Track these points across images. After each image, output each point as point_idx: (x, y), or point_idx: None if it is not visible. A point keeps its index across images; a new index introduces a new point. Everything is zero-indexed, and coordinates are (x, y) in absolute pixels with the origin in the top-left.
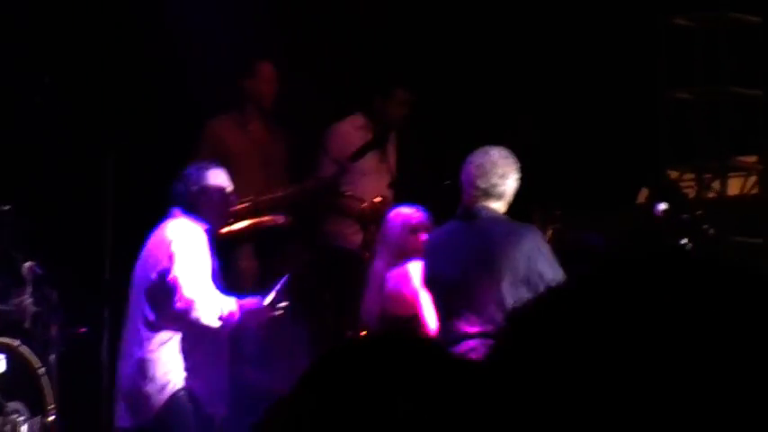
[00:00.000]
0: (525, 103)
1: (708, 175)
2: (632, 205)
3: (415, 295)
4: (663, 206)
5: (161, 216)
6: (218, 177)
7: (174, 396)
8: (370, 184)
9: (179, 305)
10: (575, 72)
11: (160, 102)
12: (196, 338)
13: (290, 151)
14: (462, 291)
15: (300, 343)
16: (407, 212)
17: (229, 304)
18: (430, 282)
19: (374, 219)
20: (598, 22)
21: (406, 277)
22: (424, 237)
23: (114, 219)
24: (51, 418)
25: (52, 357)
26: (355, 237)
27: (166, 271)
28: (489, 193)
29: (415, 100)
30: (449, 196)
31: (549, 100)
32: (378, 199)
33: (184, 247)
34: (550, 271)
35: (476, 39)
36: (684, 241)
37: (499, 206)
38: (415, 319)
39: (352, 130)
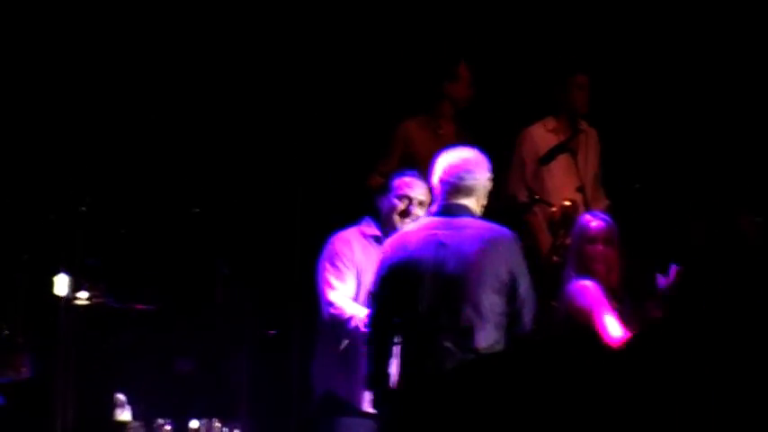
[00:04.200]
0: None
1: None
2: None
3: (590, 312)
4: None
5: (349, 217)
6: (403, 185)
7: None
8: (560, 188)
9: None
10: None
11: (350, 95)
12: None
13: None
14: (440, 287)
15: None
16: (586, 220)
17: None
18: (405, 273)
19: (564, 223)
20: None
21: (580, 292)
22: (599, 248)
23: (302, 220)
24: None
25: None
26: (546, 241)
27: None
28: (459, 189)
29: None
30: (639, 200)
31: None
32: (567, 203)
33: (325, 256)
34: (523, 277)
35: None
36: None
37: (471, 203)
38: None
39: (543, 133)
